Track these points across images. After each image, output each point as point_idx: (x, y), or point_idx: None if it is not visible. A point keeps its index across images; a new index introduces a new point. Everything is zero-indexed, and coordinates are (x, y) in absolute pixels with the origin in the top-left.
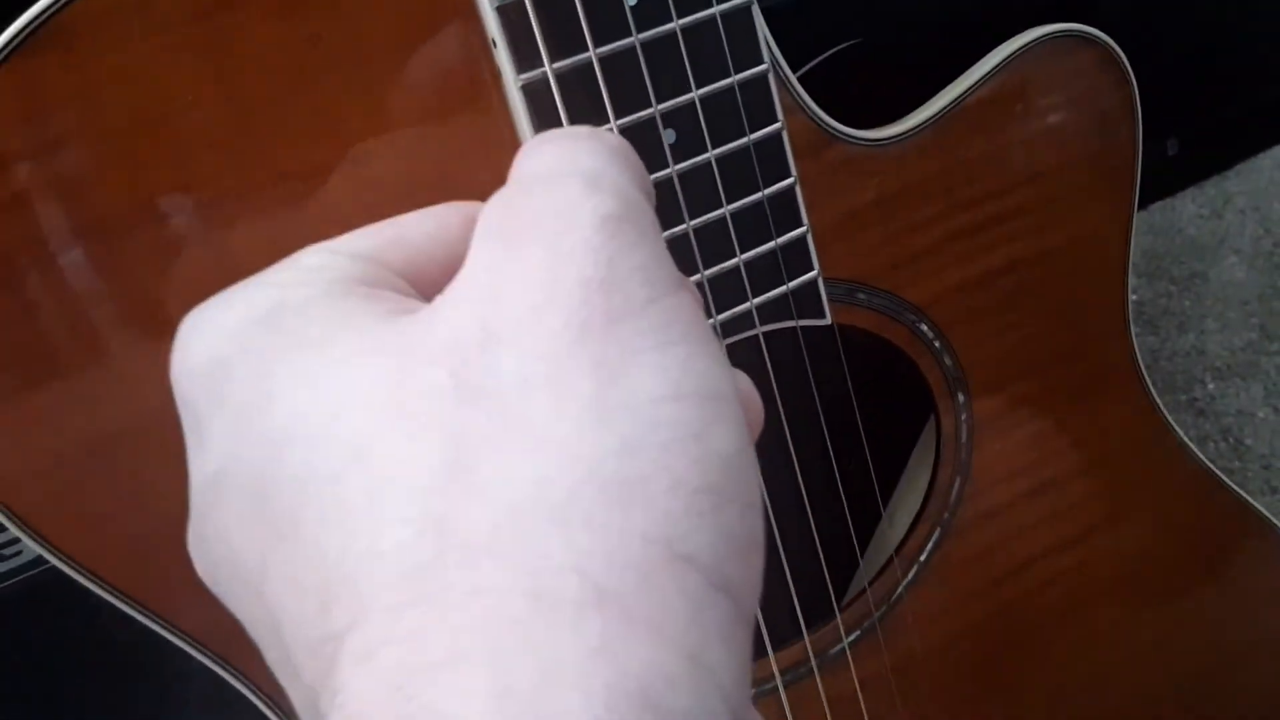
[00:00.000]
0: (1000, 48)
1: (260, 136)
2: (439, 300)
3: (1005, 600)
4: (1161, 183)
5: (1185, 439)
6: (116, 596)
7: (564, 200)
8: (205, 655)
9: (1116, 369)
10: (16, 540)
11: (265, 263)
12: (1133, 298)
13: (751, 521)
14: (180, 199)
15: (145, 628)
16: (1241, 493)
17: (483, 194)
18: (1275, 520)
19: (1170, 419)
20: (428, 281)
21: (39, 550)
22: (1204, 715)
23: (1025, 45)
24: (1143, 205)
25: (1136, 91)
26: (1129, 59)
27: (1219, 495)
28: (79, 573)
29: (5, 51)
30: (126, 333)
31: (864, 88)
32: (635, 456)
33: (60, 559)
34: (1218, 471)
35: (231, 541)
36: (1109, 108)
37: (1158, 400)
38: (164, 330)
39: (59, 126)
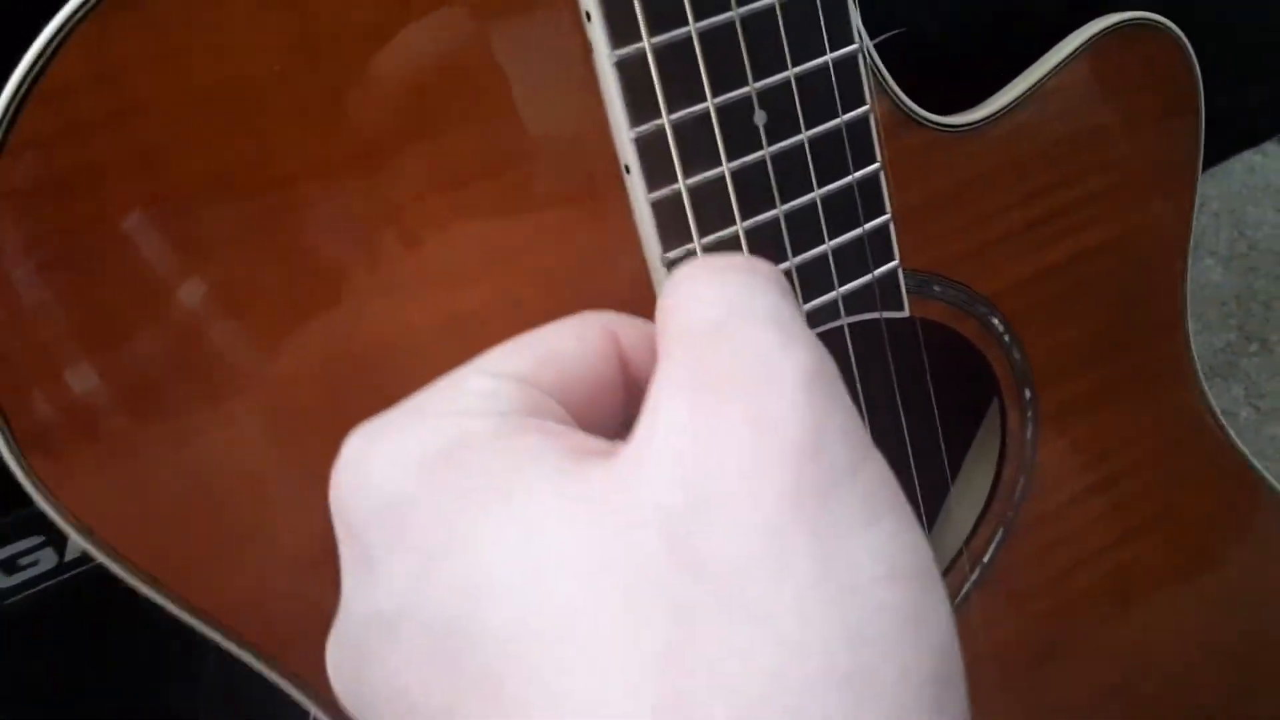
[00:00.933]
0: (1074, 35)
1: (348, 106)
2: (634, 452)
3: (1065, 597)
4: None
5: (1231, 433)
6: (157, 590)
7: (760, 354)
8: (253, 655)
9: (1173, 358)
10: (33, 549)
11: (353, 255)
12: None
13: (966, 705)
14: (260, 175)
15: (164, 637)
16: (1275, 483)
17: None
18: None
19: (1216, 410)
20: (577, 401)
21: (84, 545)
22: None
23: (1099, 33)
24: None
25: (1200, 81)
26: None
27: (1260, 488)
28: (128, 569)
29: (78, 14)
30: (190, 310)
31: (908, 78)
32: (863, 646)
33: (107, 553)
34: (1257, 465)
35: (404, 684)
36: (1176, 96)
37: (1207, 390)
38: (229, 303)
39: (133, 94)
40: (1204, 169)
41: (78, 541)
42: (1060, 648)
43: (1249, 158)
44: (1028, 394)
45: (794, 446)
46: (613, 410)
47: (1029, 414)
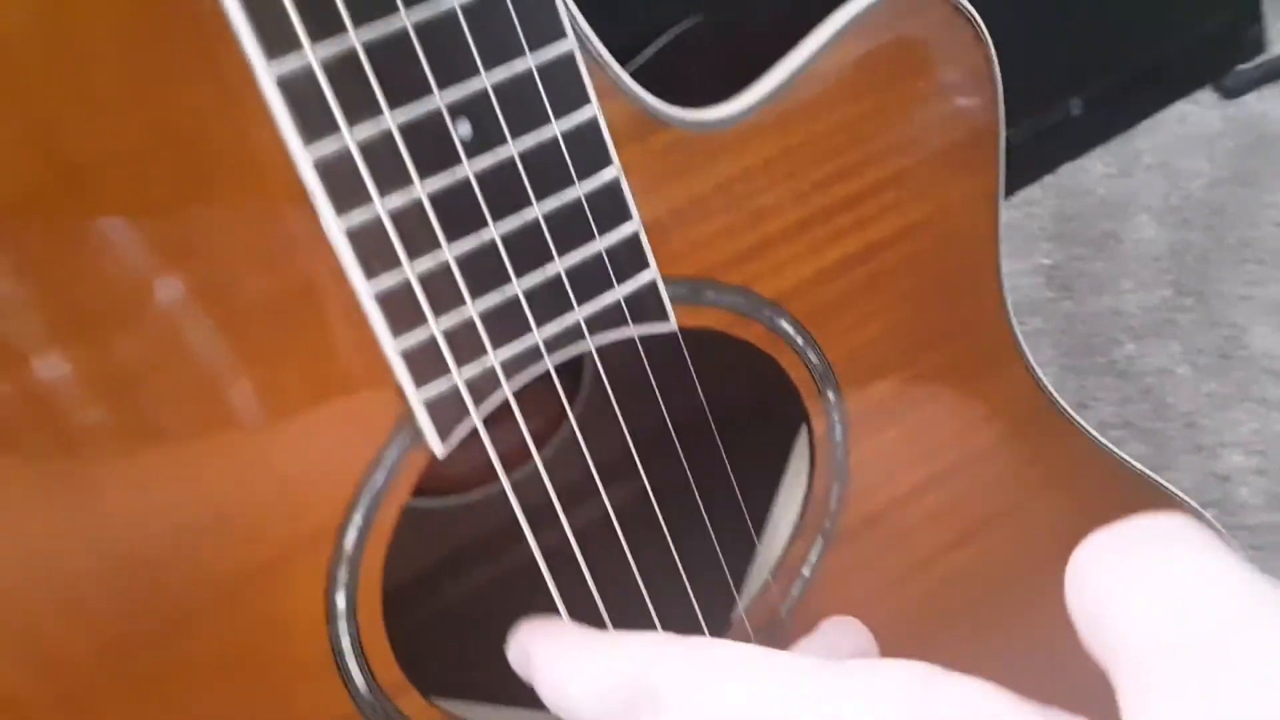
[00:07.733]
0: (842, 9)
1: None
2: None
3: (903, 602)
4: (1068, 144)
5: (1073, 414)
6: None
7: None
8: None
9: (994, 347)
10: None
11: None
12: (1045, 262)
13: None
14: None
15: None
16: (1137, 465)
17: None
18: (1178, 493)
19: (1055, 395)
20: None
21: None
22: None
23: (869, 5)
24: (1051, 168)
25: (993, 50)
26: (1022, 21)
27: (1118, 470)
28: None
29: None
30: None
31: (710, 68)
32: None
33: None
34: (1110, 445)
35: None
36: (965, 69)
37: (1040, 375)
38: None
39: None
40: (1137, 123)
41: None
42: (908, 647)
43: (1181, 108)
44: (831, 396)
45: None
46: None
47: (834, 417)
